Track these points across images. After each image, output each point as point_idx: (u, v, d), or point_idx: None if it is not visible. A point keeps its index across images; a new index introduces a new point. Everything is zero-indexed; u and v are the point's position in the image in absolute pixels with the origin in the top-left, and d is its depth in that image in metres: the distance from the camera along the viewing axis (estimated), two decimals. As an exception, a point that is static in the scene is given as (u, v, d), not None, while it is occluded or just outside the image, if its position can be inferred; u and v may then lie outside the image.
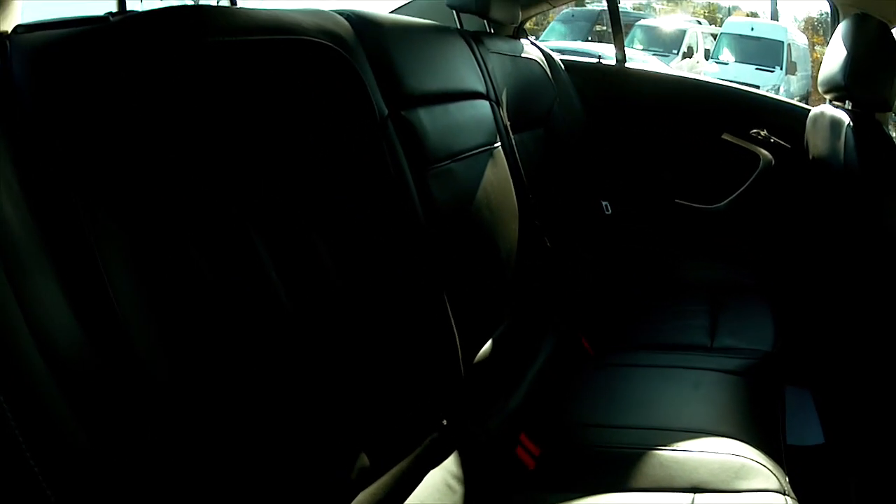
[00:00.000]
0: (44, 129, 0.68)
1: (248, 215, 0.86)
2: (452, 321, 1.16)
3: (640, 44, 11.48)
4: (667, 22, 12.74)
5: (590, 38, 11.53)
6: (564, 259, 1.87)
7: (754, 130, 2.12)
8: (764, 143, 2.11)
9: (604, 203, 2.19)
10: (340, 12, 1.19)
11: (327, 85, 1.01)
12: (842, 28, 1.62)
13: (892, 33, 1.56)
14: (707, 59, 11.98)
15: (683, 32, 11.82)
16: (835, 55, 1.62)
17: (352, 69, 1.05)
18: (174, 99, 0.79)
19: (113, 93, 0.73)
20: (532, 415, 1.36)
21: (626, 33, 11.53)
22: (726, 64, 11.26)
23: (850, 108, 1.63)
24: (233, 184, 0.84)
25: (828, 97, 1.76)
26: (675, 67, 10.44)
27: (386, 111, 1.15)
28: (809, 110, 1.93)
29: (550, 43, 9.27)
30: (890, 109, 1.64)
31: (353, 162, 1.03)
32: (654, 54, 10.61)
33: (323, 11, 1.12)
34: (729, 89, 2.31)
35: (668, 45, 11.46)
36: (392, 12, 2.32)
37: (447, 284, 1.18)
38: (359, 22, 1.19)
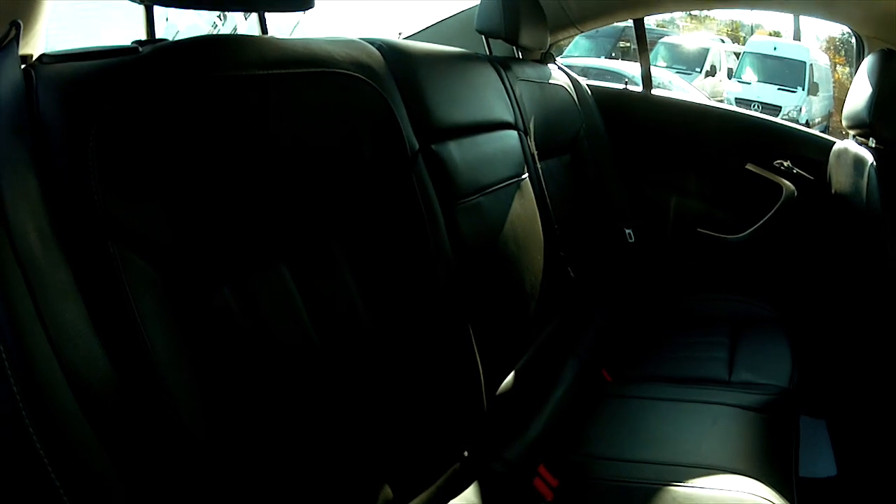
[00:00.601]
0: (75, 165, 0.68)
1: (279, 251, 0.88)
2: (477, 354, 1.17)
3: (664, 61, 11.43)
4: (690, 40, 12.69)
5: (613, 55, 11.51)
6: (587, 289, 1.89)
7: (778, 161, 2.12)
8: (787, 173, 2.11)
9: (627, 231, 2.20)
10: (372, 42, 1.19)
11: (360, 119, 1.01)
12: (867, 63, 1.63)
13: None
14: (730, 78, 11.88)
15: (707, 51, 11.75)
16: (860, 91, 1.62)
17: (384, 103, 1.05)
18: (207, 133, 0.79)
19: (145, 128, 0.73)
20: (551, 445, 1.37)
21: (650, 50, 11.42)
22: (749, 83, 11.19)
23: (874, 145, 1.63)
24: (264, 220, 0.85)
25: (851, 133, 1.76)
26: (698, 86, 10.40)
27: (417, 145, 1.14)
28: (833, 142, 1.94)
29: (574, 60, 9.26)
30: None
31: (383, 196, 1.04)
32: (677, 72, 10.58)
33: (354, 41, 1.12)
34: (754, 119, 2.30)
35: (692, 62, 11.40)
36: (421, 32, 2.33)
37: (473, 317, 1.19)
38: (390, 52, 1.19)
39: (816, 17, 2.08)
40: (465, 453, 1.14)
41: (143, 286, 0.70)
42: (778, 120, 2.37)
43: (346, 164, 0.98)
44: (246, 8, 0.91)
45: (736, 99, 10.86)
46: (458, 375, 1.14)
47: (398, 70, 1.18)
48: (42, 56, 0.76)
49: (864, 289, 1.70)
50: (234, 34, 0.92)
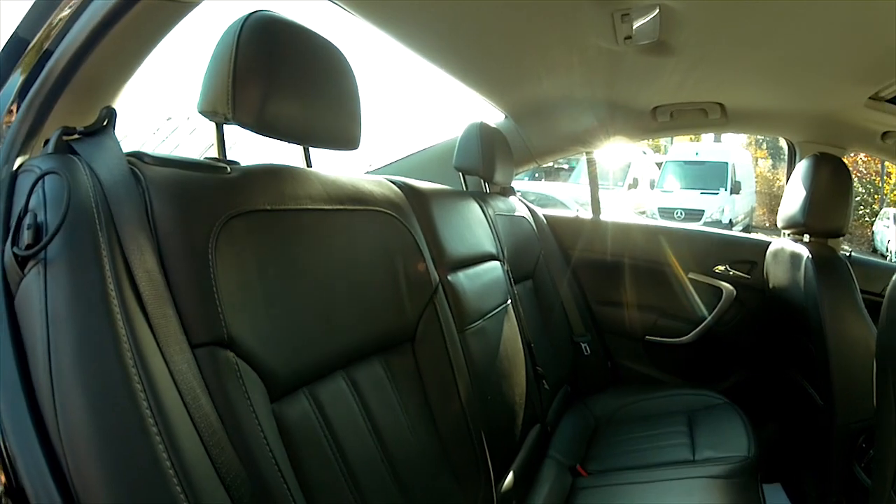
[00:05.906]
0: (199, 279, 0.75)
1: (339, 365, 1.00)
2: (488, 456, 1.29)
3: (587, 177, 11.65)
4: (611, 155, 12.97)
5: (536, 175, 11.48)
6: (556, 397, 2.08)
7: (716, 266, 2.40)
8: (724, 276, 2.39)
9: (583, 345, 2.42)
10: (394, 182, 1.32)
11: (397, 253, 1.14)
12: (801, 168, 1.80)
13: (846, 166, 1.74)
14: (652, 189, 12.24)
15: (628, 165, 12.05)
16: (794, 195, 1.79)
17: (413, 240, 1.19)
18: (289, 255, 0.90)
19: (247, 248, 0.82)
20: None
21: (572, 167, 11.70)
22: (671, 191, 11.58)
23: (808, 240, 1.84)
24: (327, 336, 0.96)
25: (787, 232, 1.98)
26: (621, 200, 10.64)
27: (437, 278, 1.27)
28: (766, 242, 2.21)
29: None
30: (843, 235, 1.80)
31: (413, 322, 1.17)
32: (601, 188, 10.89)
33: (383, 182, 1.25)
34: (691, 232, 2.61)
35: (614, 177, 11.56)
36: (390, 165, 2.53)
37: (483, 425, 1.31)
38: (409, 191, 1.34)
39: (755, 133, 2.39)
40: None
41: (255, 391, 0.79)
42: (713, 230, 2.65)
43: (386, 291, 1.11)
44: (299, 142, 1.02)
45: (659, 209, 11.23)
46: (475, 476, 1.25)
47: (417, 207, 1.33)
48: (141, 155, 0.82)
49: (803, 366, 1.86)
50: (293, 167, 1.04)
